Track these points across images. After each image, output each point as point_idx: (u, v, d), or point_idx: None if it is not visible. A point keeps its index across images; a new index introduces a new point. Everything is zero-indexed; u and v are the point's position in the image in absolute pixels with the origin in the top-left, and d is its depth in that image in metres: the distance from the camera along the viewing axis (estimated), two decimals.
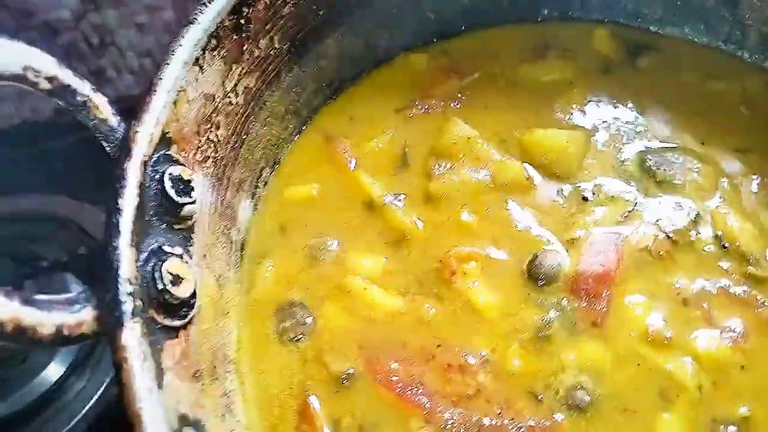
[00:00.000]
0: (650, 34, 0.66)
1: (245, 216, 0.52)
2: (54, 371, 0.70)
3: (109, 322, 0.35)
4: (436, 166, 0.54)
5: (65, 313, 0.35)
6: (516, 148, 0.56)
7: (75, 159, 0.64)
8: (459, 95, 0.59)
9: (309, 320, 0.48)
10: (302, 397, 0.45)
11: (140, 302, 0.37)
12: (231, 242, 0.50)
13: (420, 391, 0.44)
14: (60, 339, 0.34)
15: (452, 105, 0.59)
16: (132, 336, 0.35)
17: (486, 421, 0.43)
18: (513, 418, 0.43)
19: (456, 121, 0.56)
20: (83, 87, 0.40)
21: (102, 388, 0.69)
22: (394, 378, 0.45)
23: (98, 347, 0.71)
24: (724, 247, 0.50)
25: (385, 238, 0.51)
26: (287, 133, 0.57)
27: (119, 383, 0.35)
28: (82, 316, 0.35)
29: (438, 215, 0.52)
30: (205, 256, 0.46)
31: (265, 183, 0.55)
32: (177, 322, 0.40)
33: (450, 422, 0.43)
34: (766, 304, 0.47)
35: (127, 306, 0.36)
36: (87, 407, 0.69)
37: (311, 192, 0.54)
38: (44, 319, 0.33)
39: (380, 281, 0.49)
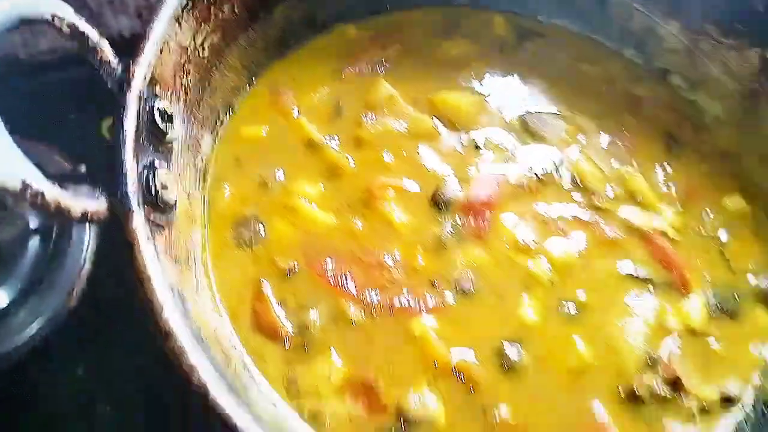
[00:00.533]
0: (538, 23, 0.82)
1: (207, 148, 0.64)
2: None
3: (121, 211, 0.47)
4: (365, 117, 0.68)
5: (89, 201, 0.46)
6: (427, 106, 0.70)
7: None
8: (384, 62, 0.73)
9: (261, 230, 0.61)
10: (257, 285, 0.58)
11: (139, 200, 0.49)
12: (197, 168, 0.62)
13: (348, 281, 0.58)
14: (84, 219, 0.46)
15: (378, 69, 0.72)
16: (139, 219, 0.47)
17: (397, 301, 0.58)
18: (417, 299, 0.58)
19: (382, 82, 0.70)
20: (93, 34, 0.51)
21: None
22: (328, 271, 0.59)
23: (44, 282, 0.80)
24: (577, 185, 0.67)
25: (322, 171, 0.65)
26: (242, 83, 0.69)
27: (131, 255, 0.46)
28: (101, 205, 0.47)
29: (365, 155, 0.66)
30: (179, 175, 0.58)
31: (223, 123, 0.67)
32: (164, 220, 0.52)
33: (370, 303, 0.57)
34: (602, 225, 0.64)
35: (134, 199, 0.48)
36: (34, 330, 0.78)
37: (261, 132, 0.66)
38: (76, 204, 0.45)
39: (318, 202, 0.63)
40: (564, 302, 0.59)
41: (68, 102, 0.80)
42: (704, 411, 0.56)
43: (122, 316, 0.73)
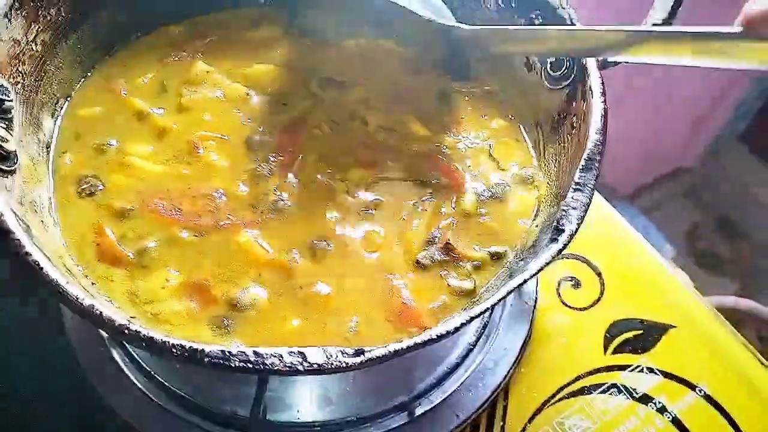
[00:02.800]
0: None
1: (48, 126, 0.75)
2: None
3: None
4: (186, 90, 0.81)
5: None
6: (240, 77, 0.84)
7: None
8: (203, 50, 0.87)
9: (99, 184, 0.72)
10: (99, 226, 0.69)
11: None
12: (39, 141, 0.73)
13: (179, 211, 0.70)
14: None
15: (198, 56, 0.86)
16: None
17: (222, 223, 0.70)
18: (240, 221, 0.71)
19: (199, 62, 0.84)
20: None
21: None
22: (160, 207, 0.70)
23: None
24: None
25: (151, 135, 0.77)
26: (76, 75, 0.81)
27: None
28: None
29: (187, 118, 0.79)
30: (21, 141, 0.68)
31: (62, 108, 0.78)
32: (6, 168, 0.63)
33: (199, 225, 0.69)
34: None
35: None
36: None
37: (95, 111, 0.78)
38: None
39: (148, 158, 0.75)
40: (365, 208, 0.73)
41: None
42: (477, 268, 0.71)
43: (10, 306, 0.82)
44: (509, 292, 0.58)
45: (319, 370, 0.51)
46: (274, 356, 0.51)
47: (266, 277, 0.67)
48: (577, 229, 0.62)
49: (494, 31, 0.74)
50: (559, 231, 0.62)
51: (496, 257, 0.72)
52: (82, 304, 0.52)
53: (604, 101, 0.67)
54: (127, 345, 0.82)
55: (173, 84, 0.82)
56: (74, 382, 0.81)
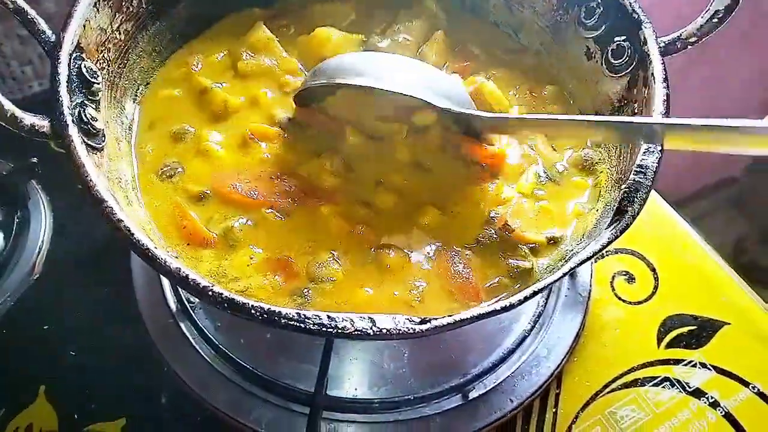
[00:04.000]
0: None
1: (130, 109, 0.80)
2: None
3: (59, 127, 0.62)
4: (246, 55, 0.85)
5: (36, 119, 0.62)
6: (294, 49, 0.88)
7: None
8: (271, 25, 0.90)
9: (179, 168, 0.77)
10: (180, 207, 0.73)
11: (74, 119, 0.64)
12: (122, 123, 0.78)
13: (256, 193, 0.74)
14: (33, 132, 0.61)
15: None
16: (73, 132, 0.62)
17: (300, 199, 0.74)
18: (314, 197, 0.74)
19: (262, 26, 0.88)
20: (31, 10, 0.68)
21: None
22: (239, 188, 0.74)
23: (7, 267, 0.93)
24: None
25: (216, 113, 0.81)
26: (155, 64, 0.86)
27: (71, 161, 0.61)
28: (45, 124, 0.62)
29: (244, 90, 0.83)
30: (107, 122, 0.73)
31: (142, 93, 0.83)
32: (96, 145, 0.68)
33: (279, 202, 0.73)
34: None
35: (69, 120, 0.63)
36: None
37: (174, 93, 0.83)
38: (26, 117, 0.60)
39: (223, 144, 0.79)
40: None
41: None
42: (534, 250, 0.72)
43: (81, 278, 0.88)
44: (573, 268, 0.60)
45: (387, 335, 0.54)
46: (346, 320, 0.54)
47: (342, 249, 0.70)
48: (639, 210, 0.63)
49: (516, 119, 0.76)
50: (621, 212, 0.64)
51: (553, 241, 0.73)
52: (169, 266, 0.56)
53: (666, 86, 0.68)
54: (195, 316, 0.86)
55: (238, 54, 0.86)
56: (142, 353, 0.85)
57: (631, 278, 1.01)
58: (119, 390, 0.83)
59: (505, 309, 0.57)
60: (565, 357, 0.89)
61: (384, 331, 0.54)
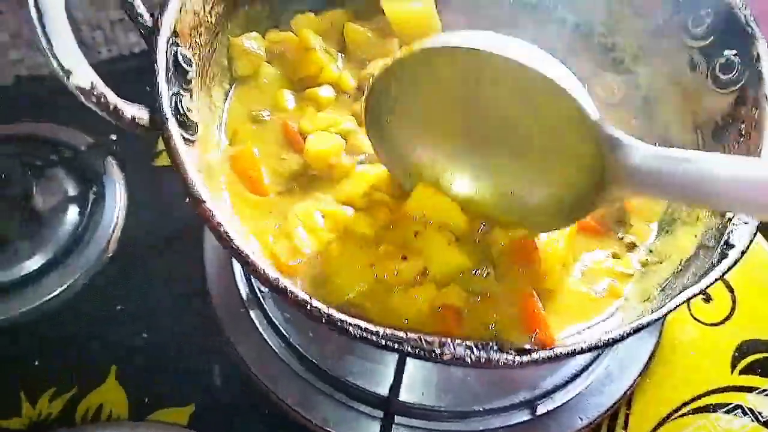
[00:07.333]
0: None
1: (218, 96, 0.79)
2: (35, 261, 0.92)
3: (160, 120, 0.61)
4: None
5: (136, 109, 0.60)
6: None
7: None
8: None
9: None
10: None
11: (172, 112, 0.63)
12: (211, 111, 0.76)
13: None
14: (132, 124, 0.59)
15: None
16: (173, 126, 0.61)
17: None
18: None
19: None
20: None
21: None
22: None
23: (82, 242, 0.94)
24: None
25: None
26: None
27: (171, 157, 0.60)
28: (144, 117, 0.61)
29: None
30: (198, 110, 0.72)
31: (232, 84, 0.82)
32: (189, 137, 0.66)
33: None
34: None
35: (169, 113, 0.62)
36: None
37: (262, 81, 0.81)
38: (127, 108, 0.59)
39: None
40: None
41: None
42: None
43: (154, 258, 0.87)
44: (678, 305, 0.57)
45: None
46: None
47: None
48: (749, 246, 0.60)
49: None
50: (729, 245, 0.61)
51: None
52: (269, 276, 0.55)
53: None
54: (265, 305, 0.86)
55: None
56: (212, 339, 0.85)
57: (708, 298, 0.98)
58: (188, 376, 0.83)
59: (606, 344, 0.55)
60: (637, 377, 0.86)
61: (483, 359, 0.52)
